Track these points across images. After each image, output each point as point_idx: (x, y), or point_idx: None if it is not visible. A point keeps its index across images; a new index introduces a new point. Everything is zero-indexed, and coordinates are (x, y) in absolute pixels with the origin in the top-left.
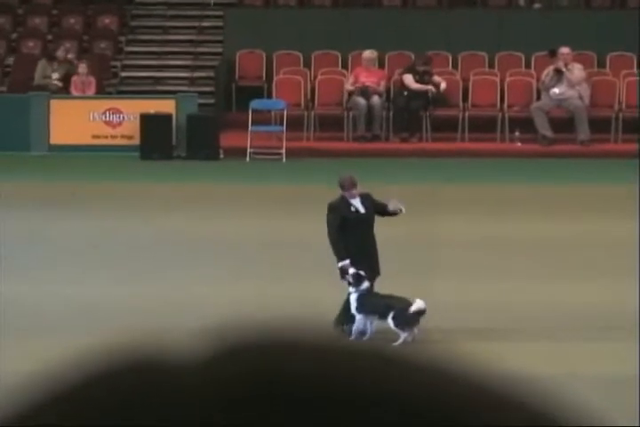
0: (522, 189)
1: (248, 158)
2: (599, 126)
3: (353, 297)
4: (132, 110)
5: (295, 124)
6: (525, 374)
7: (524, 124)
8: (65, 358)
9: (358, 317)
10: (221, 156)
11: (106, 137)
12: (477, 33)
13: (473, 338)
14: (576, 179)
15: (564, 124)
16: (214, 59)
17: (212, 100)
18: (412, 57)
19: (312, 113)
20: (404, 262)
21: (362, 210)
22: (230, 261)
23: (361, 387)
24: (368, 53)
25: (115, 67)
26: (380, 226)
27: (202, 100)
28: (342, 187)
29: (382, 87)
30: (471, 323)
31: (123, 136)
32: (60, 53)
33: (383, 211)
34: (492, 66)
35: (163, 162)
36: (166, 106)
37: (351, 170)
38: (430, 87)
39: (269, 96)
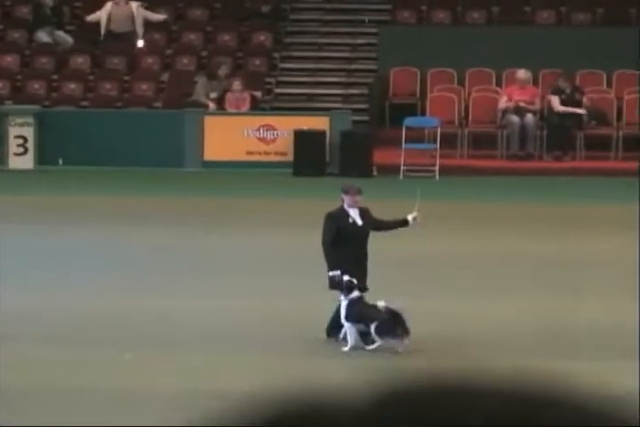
0: None
1: (401, 176)
2: None
3: (343, 304)
4: (285, 127)
5: (448, 141)
6: None
7: None
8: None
9: (347, 324)
10: (374, 173)
11: (259, 153)
12: (630, 51)
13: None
14: None
15: None
16: (368, 76)
17: (365, 117)
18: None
19: (465, 131)
20: (557, 281)
21: (359, 222)
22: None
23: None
24: (522, 73)
25: (269, 83)
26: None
27: (355, 117)
28: (347, 191)
29: (536, 105)
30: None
31: (276, 153)
32: (221, 72)
33: (381, 225)
34: None
35: (315, 178)
36: (320, 123)
37: (504, 188)
38: (579, 110)
39: (423, 113)
